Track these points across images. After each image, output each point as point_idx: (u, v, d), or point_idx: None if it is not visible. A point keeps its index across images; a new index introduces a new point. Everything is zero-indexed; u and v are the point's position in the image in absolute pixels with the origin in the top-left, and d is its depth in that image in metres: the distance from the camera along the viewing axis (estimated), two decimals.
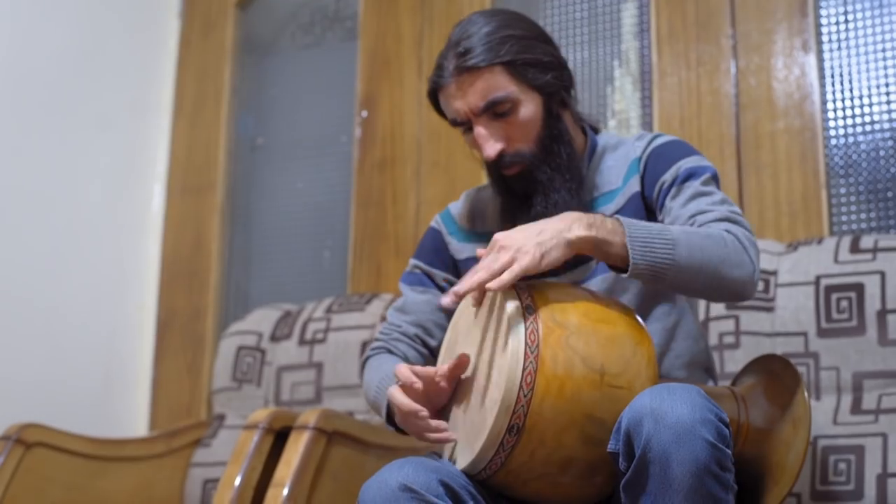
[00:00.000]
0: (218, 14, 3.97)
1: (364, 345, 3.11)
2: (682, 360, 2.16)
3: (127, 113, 3.87)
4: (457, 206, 2.39)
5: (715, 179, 2.11)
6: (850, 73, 3.00)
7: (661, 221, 2.12)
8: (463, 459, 1.85)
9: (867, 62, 2.98)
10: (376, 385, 2.15)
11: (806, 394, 1.95)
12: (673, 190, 2.09)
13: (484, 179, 3.33)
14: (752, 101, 3.07)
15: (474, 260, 2.15)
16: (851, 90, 2.98)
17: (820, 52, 3.03)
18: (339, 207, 3.65)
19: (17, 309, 3.39)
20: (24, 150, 3.47)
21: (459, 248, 2.31)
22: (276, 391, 3.21)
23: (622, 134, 3.18)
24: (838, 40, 3.02)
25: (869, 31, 2.99)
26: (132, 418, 3.72)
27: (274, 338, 3.27)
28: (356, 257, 3.52)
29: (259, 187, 3.84)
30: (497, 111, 2.12)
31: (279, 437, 2.55)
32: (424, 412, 1.89)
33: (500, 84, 2.11)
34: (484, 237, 2.28)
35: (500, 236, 1.87)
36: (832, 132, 2.99)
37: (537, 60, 2.14)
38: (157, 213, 3.91)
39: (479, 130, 2.13)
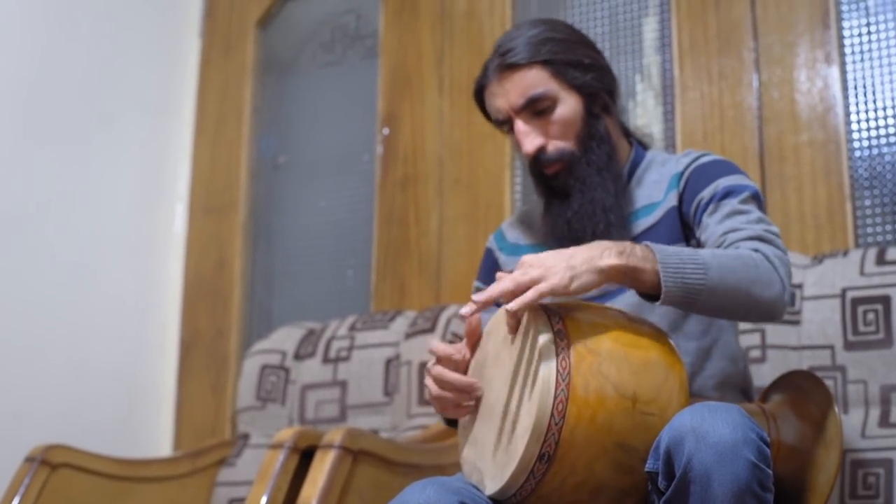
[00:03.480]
0: (238, 33, 3.98)
1: (388, 362, 3.11)
2: (715, 381, 2.16)
3: (148, 133, 3.88)
4: (507, 222, 2.45)
5: (755, 198, 2.10)
6: (873, 85, 2.98)
7: (697, 238, 2.12)
8: (492, 485, 1.83)
9: (891, 73, 2.97)
10: None
11: (838, 414, 1.93)
12: (710, 206, 2.09)
13: (505, 196, 3.34)
14: (775, 114, 3.06)
15: None
16: (875, 102, 2.97)
17: (843, 64, 3.01)
18: (361, 225, 3.65)
19: (41, 330, 3.40)
20: (45, 171, 3.48)
21: (506, 262, 2.36)
22: (300, 410, 3.21)
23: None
24: (861, 52, 3.01)
25: (892, 41, 2.98)
26: (156, 438, 3.72)
27: (298, 356, 3.27)
28: (379, 275, 3.52)
29: (281, 206, 3.84)
30: (537, 108, 2.18)
31: (304, 456, 2.55)
32: (477, 385, 1.91)
33: (540, 82, 2.17)
34: (529, 248, 2.33)
35: (528, 257, 1.86)
36: (856, 144, 2.98)
37: (578, 61, 2.20)
38: (180, 233, 3.91)
39: (519, 126, 2.19)
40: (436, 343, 1.95)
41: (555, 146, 2.19)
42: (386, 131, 3.61)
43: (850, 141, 2.98)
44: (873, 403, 2.47)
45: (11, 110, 3.40)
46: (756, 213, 2.06)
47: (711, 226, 2.07)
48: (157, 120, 3.93)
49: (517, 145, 2.22)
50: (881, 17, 3.00)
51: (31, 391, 3.33)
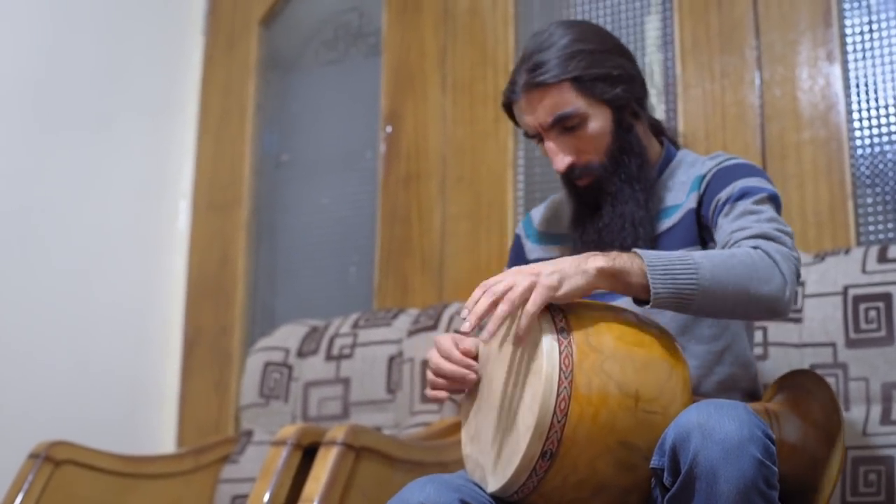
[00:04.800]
0: (241, 31, 3.98)
1: (391, 360, 3.11)
2: (723, 385, 2.16)
3: (151, 130, 3.89)
4: (537, 211, 2.46)
5: (772, 200, 2.09)
6: (875, 83, 2.98)
7: (714, 239, 2.12)
8: (494, 482, 1.84)
9: (892, 71, 2.97)
10: None
11: (842, 414, 1.94)
12: (726, 207, 2.09)
13: (508, 193, 3.35)
14: (776, 112, 3.06)
15: (541, 261, 2.18)
16: (877, 100, 2.97)
17: (845, 63, 3.02)
18: (364, 223, 3.65)
19: (44, 327, 3.41)
20: (49, 168, 3.48)
21: (531, 249, 2.38)
22: (303, 407, 3.22)
23: None
24: (863, 50, 3.01)
25: (894, 39, 2.98)
26: (160, 435, 3.73)
27: (301, 353, 3.27)
28: (382, 273, 3.53)
29: (284, 203, 3.85)
30: (566, 125, 2.17)
31: (307, 452, 2.55)
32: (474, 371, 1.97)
33: (568, 100, 2.16)
34: (555, 239, 2.35)
35: (514, 269, 1.85)
36: (858, 142, 2.98)
37: (606, 74, 2.18)
38: (183, 230, 3.92)
39: (549, 145, 2.19)
40: (439, 336, 2.00)
41: (585, 161, 2.19)
42: (389, 129, 3.62)
43: (852, 139, 2.98)
44: (875, 401, 2.47)
45: (16, 107, 3.41)
46: (768, 213, 2.05)
47: (724, 226, 2.06)
48: (161, 117, 3.93)
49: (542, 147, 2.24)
50: (883, 16, 3.01)
51: (35, 388, 3.34)
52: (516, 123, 2.29)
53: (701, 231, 2.18)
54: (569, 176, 2.21)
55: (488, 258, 3.33)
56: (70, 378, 3.45)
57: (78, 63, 3.62)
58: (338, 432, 2.51)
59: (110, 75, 3.74)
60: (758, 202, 2.07)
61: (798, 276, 1.96)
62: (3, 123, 3.37)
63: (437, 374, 1.99)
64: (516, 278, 1.81)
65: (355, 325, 3.24)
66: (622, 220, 2.16)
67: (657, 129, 2.34)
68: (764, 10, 3.12)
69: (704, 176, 2.20)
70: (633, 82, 2.23)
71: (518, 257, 2.39)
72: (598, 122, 2.18)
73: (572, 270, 1.81)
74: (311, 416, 3.19)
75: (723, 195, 2.11)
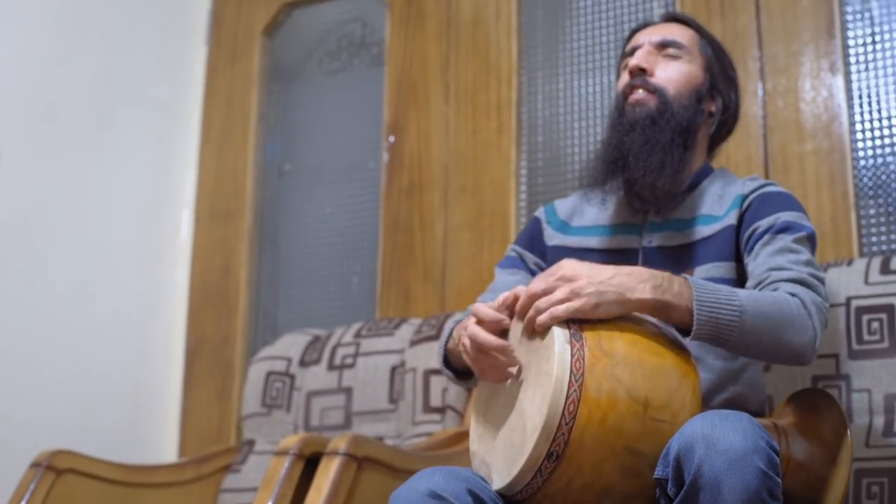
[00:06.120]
0: (245, 41, 3.99)
1: (393, 369, 3.11)
2: (732, 403, 2.16)
3: (155, 140, 3.89)
4: (562, 201, 2.50)
5: (810, 240, 2.15)
6: (878, 94, 2.99)
7: (746, 265, 2.16)
8: (499, 480, 1.85)
9: (895, 82, 2.97)
10: (448, 333, 2.20)
11: (850, 434, 1.94)
12: (766, 237, 2.13)
13: (510, 203, 3.34)
14: (779, 123, 3.06)
15: (562, 249, 2.29)
16: (880, 111, 2.97)
17: (847, 74, 3.02)
18: (367, 233, 3.65)
19: (47, 336, 3.41)
20: (52, 178, 3.49)
21: (551, 235, 2.40)
22: (305, 416, 3.21)
23: None
24: (866, 61, 3.01)
25: None
26: (161, 445, 3.73)
27: (303, 363, 3.27)
28: (384, 282, 3.52)
29: (287, 213, 3.85)
30: (667, 52, 2.34)
31: (309, 462, 2.54)
32: (512, 347, 1.90)
33: (686, 39, 2.37)
34: (577, 231, 2.37)
35: (566, 264, 1.88)
36: (861, 153, 2.98)
37: (725, 64, 2.41)
38: (186, 239, 3.92)
39: (641, 52, 2.34)
40: (480, 305, 1.93)
41: (658, 80, 2.30)
42: (392, 139, 3.62)
43: (855, 150, 2.98)
44: (877, 412, 2.46)
45: (21, 119, 3.41)
46: (806, 255, 2.10)
47: (761, 257, 2.11)
48: (164, 127, 3.94)
49: (624, 82, 2.35)
50: (886, 27, 3.01)
51: (37, 397, 3.34)
52: (623, 51, 2.43)
53: (736, 248, 2.21)
54: (631, 84, 2.31)
55: (490, 268, 3.31)
56: (72, 387, 3.45)
57: (81, 73, 3.62)
58: (340, 442, 2.51)
59: (113, 85, 3.74)
60: (797, 241, 2.12)
61: (826, 325, 2.03)
62: (7, 135, 3.37)
63: (475, 346, 1.91)
64: (558, 285, 1.84)
65: (357, 335, 3.23)
66: (652, 145, 2.24)
67: (708, 156, 2.44)
68: (767, 22, 3.12)
69: (747, 196, 2.26)
70: (735, 93, 2.42)
71: (533, 239, 2.42)
72: (691, 70, 2.34)
73: (613, 297, 1.84)
74: (314, 425, 3.18)
75: (763, 223, 2.16)
